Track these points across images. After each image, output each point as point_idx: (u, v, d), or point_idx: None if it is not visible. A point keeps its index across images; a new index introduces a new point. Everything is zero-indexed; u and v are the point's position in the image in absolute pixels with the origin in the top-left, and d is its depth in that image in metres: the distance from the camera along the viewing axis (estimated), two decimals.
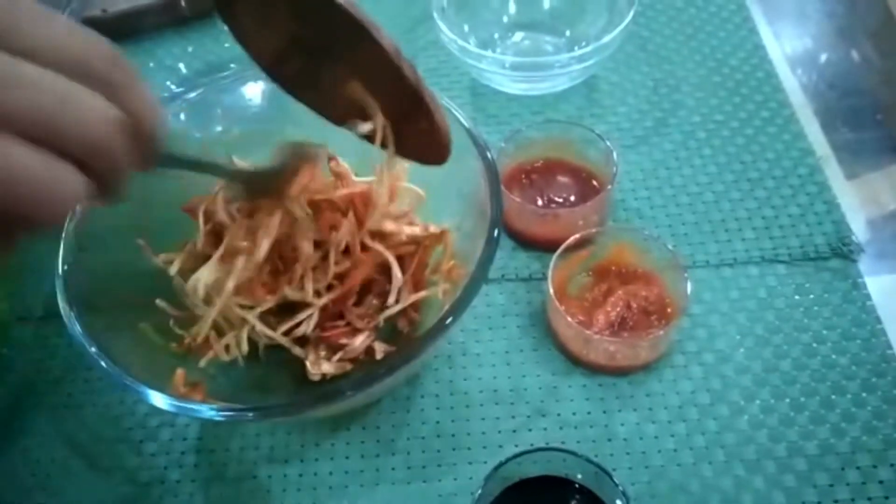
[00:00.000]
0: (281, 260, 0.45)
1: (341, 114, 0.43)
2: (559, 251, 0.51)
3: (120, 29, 0.73)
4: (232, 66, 0.59)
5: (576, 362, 0.51)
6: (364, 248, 0.46)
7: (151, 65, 0.71)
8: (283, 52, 0.40)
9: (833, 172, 0.61)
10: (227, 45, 0.69)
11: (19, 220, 0.24)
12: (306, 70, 0.42)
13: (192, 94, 0.53)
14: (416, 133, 0.41)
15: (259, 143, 0.52)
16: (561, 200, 0.57)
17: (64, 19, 0.25)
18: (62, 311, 0.41)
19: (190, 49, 0.72)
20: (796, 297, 0.53)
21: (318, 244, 0.45)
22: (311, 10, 0.37)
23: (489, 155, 0.46)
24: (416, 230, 0.48)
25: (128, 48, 0.73)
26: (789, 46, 0.73)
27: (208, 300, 0.44)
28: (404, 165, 0.47)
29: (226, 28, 0.41)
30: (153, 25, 0.73)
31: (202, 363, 0.45)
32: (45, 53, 0.24)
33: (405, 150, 0.43)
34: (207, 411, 0.39)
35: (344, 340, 0.46)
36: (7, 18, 0.23)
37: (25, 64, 0.23)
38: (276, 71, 0.42)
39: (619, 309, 0.51)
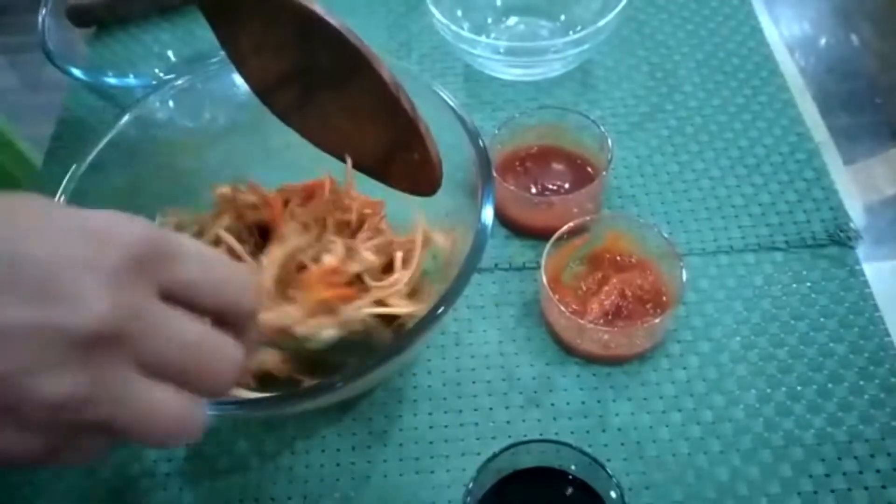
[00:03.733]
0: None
1: (330, 142, 0.43)
2: (553, 239, 0.50)
3: (107, 15, 0.71)
4: (221, 53, 0.58)
5: (570, 352, 0.51)
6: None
7: (139, 51, 0.70)
8: (280, 79, 0.40)
9: (831, 158, 0.60)
10: None
11: (194, 384, 0.26)
12: (301, 97, 0.41)
13: (180, 82, 0.52)
14: (408, 163, 0.41)
15: (247, 130, 0.52)
16: (555, 188, 0.57)
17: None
18: None
19: (178, 36, 0.71)
20: (793, 284, 0.53)
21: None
22: (312, 38, 0.37)
23: (481, 142, 0.45)
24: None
25: (115, 34, 0.72)
26: (787, 30, 0.72)
27: None
28: None
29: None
30: (141, 12, 0.72)
31: None
32: (196, 300, 0.27)
33: (396, 180, 0.43)
34: None
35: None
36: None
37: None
38: (269, 96, 0.42)
39: (613, 297, 0.50)
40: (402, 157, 0.41)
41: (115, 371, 0.24)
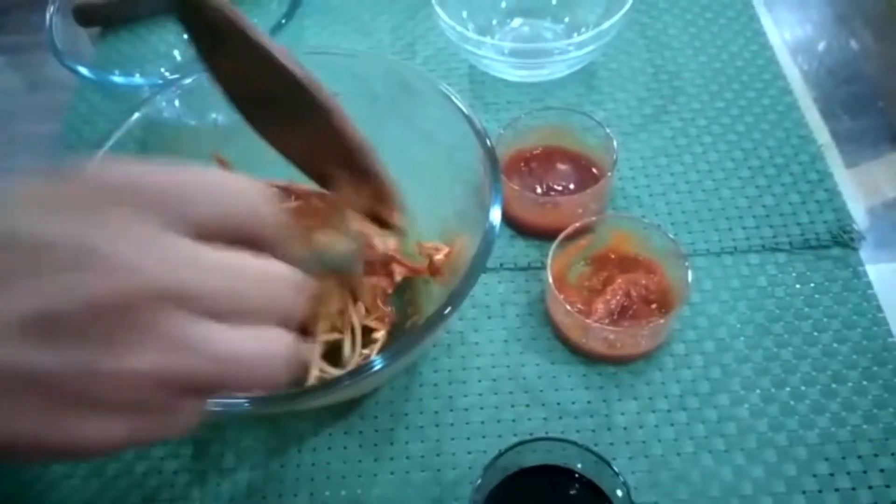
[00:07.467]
0: None
1: (306, 161, 0.45)
2: (558, 239, 0.51)
3: (113, 15, 0.72)
4: None
5: (575, 351, 0.51)
6: None
7: (145, 51, 0.70)
8: (256, 102, 0.43)
9: (834, 160, 0.61)
10: None
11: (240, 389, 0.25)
12: (275, 121, 0.44)
13: (187, 81, 0.52)
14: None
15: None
16: (560, 188, 0.57)
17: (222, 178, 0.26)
18: None
19: (184, 36, 0.71)
20: (797, 285, 0.53)
21: None
22: (273, 77, 0.40)
23: (489, 142, 0.45)
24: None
25: (120, 34, 0.72)
26: (790, 33, 0.72)
27: None
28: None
29: None
30: (147, 11, 0.72)
31: None
32: (220, 229, 0.25)
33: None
34: None
35: None
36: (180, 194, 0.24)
37: (214, 252, 0.24)
38: (248, 115, 0.44)
39: (618, 297, 0.50)
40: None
41: (183, 326, 0.23)
